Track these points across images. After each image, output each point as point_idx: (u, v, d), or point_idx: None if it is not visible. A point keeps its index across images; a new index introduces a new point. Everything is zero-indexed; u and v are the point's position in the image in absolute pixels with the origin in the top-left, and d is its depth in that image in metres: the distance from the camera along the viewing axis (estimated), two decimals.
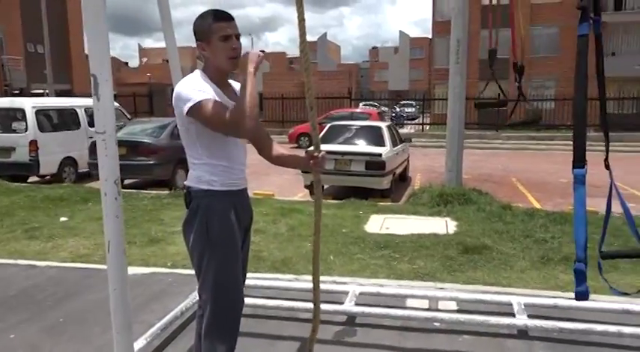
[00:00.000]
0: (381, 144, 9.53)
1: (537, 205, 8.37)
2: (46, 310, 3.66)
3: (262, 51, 2.31)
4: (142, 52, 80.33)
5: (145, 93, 32.25)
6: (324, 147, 9.10)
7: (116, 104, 13.93)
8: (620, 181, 2.25)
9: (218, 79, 2.28)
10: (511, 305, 3.33)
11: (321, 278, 4.05)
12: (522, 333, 3.18)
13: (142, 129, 11.09)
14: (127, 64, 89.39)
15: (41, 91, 25.92)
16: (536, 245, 5.13)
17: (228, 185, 2.30)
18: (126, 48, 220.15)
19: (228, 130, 2.16)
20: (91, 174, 10.68)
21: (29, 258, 4.88)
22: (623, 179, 11.48)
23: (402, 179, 11.24)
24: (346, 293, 3.54)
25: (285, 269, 4.54)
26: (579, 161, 2.02)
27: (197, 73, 2.26)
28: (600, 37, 2.00)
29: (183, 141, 2.30)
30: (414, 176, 12.17)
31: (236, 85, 2.40)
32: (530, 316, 3.17)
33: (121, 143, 10.84)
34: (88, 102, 13.36)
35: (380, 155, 8.97)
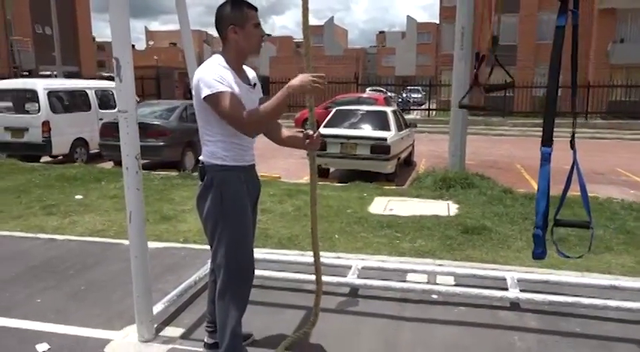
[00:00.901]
0: (387, 128, 9.70)
1: None
2: (69, 278, 3.90)
3: (320, 77, 2.30)
4: (149, 34, 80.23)
5: (153, 76, 32.35)
6: (330, 131, 9.29)
7: None
8: (624, 168, 2.44)
9: (237, 63, 2.48)
10: (505, 279, 3.53)
11: (326, 254, 4.28)
12: (514, 305, 3.39)
13: (151, 112, 11.26)
14: (133, 46, 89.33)
15: (49, 73, 26.11)
16: (533, 227, 5.30)
17: (239, 160, 2.51)
18: (132, 30, 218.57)
19: (233, 124, 2.36)
20: (102, 155, 10.93)
21: (49, 233, 5.13)
22: (629, 166, 11.61)
23: (407, 163, 11.42)
24: (349, 267, 3.75)
25: (291, 246, 4.76)
26: (547, 141, 2.23)
27: (218, 57, 2.45)
28: (577, 28, 2.16)
29: (199, 120, 2.50)
30: (419, 161, 12.33)
31: (249, 71, 2.60)
32: (522, 290, 3.37)
33: None
34: (98, 84, 13.58)
35: (385, 139, 9.14)
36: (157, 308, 3.09)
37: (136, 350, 2.85)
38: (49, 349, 2.85)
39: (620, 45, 26.54)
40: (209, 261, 3.98)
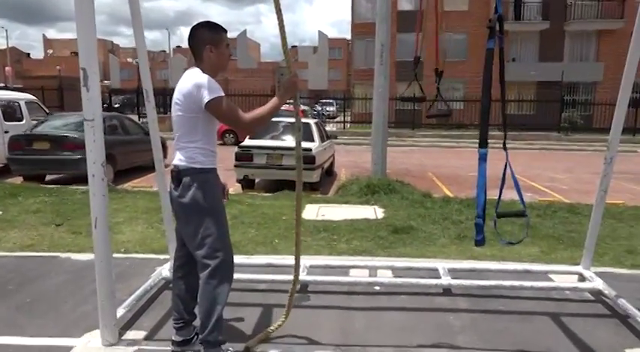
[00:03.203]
0: (311, 139, 10.06)
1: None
2: (10, 293, 3.78)
3: (295, 75, 2.81)
4: (47, 42, 75.25)
5: (55, 87, 30.49)
6: (256, 142, 9.50)
7: (33, 98, 13.36)
8: (521, 175, 2.91)
9: (214, 76, 2.70)
10: (437, 270, 3.97)
11: (271, 258, 4.50)
12: (447, 291, 3.83)
13: (65, 124, 10.77)
14: (28, 55, 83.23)
15: None
16: (453, 225, 5.89)
17: (213, 163, 2.77)
18: (24, 37, 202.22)
19: (231, 124, 2.74)
20: (12, 170, 10.26)
21: None
22: (525, 173, 12.90)
23: (329, 174, 11.85)
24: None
25: (236, 251, 4.90)
26: (483, 144, 2.65)
27: (198, 70, 2.68)
28: (503, 50, 2.62)
29: (182, 126, 2.68)
30: (339, 171, 12.84)
31: None
32: (452, 277, 3.83)
33: (44, 137, 10.58)
34: (3, 95, 12.68)
35: (310, 150, 9.49)
36: (119, 312, 3.15)
37: None
38: None
39: (512, 63, 29.31)
40: (158, 268, 4.08)
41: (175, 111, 2.69)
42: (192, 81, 2.61)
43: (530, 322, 3.39)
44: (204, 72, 2.66)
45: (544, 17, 29.17)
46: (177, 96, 2.66)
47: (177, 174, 2.70)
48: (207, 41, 2.70)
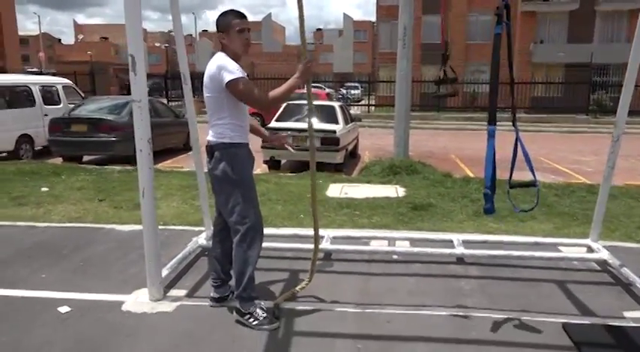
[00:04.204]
0: (335, 121, 10.35)
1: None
2: (64, 257, 4.23)
3: (309, 62, 3.03)
4: (78, 28, 76.75)
5: (87, 72, 31.33)
6: (281, 124, 9.90)
7: (69, 82, 13.95)
8: (545, 158, 3.17)
9: (235, 59, 3.02)
10: (451, 241, 4.26)
11: (297, 230, 4.84)
12: (460, 260, 4.12)
13: (100, 107, 11.31)
14: (59, 40, 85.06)
15: None
16: (471, 203, 6.13)
17: (242, 138, 3.08)
18: (54, 23, 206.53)
19: (252, 103, 3.01)
20: (52, 151, 10.86)
21: (26, 221, 5.34)
22: (550, 155, 12.95)
23: (352, 156, 12.13)
24: (322, 237, 4.34)
25: (265, 224, 5.25)
26: (492, 121, 2.89)
27: (222, 54, 2.99)
28: (510, 36, 2.85)
29: (211, 105, 3.02)
30: (362, 153, 13.09)
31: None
32: (466, 248, 4.11)
33: (82, 120, 11.14)
34: (42, 79, 13.30)
35: (334, 132, 9.79)
36: (163, 272, 3.54)
37: (150, 307, 3.29)
38: (70, 310, 3.24)
39: (540, 45, 28.81)
40: (194, 237, 4.46)
41: (205, 92, 3.03)
42: (215, 64, 2.94)
43: (537, 288, 3.66)
44: (227, 56, 2.97)
45: None
46: (205, 79, 3.00)
47: (210, 149, 3.06)
48: (220, 28, 3.02)
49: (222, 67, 2.91)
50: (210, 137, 3.08)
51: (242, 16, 3.03)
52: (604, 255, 3.96)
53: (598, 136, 18.47)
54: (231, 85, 2.89)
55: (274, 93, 3.02)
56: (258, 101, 2.99)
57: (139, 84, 3.13)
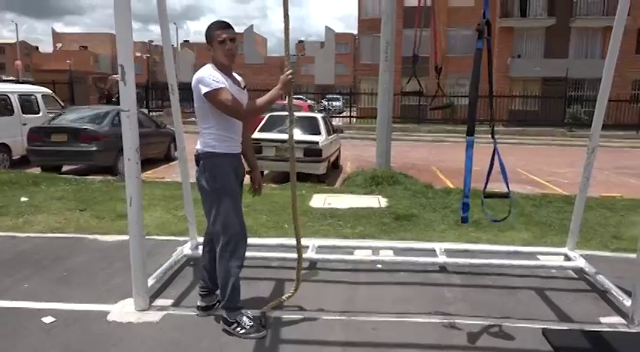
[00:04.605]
0: (318, 132, 10.44)
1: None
2: (46, 267, 4.19)
3: (291, 74, 3.09)
4: (56, 36, 75.86)
5: (65, 81, 30.97)
6: (265, 135, 9.93)
7: (49, 91, 13.79)
8: (523, 169, 3.27)
9: (223, 69, 3.07)
10: (434, 250, 4.35)
11: (282, 239, 4.87)
12: (443, 268, 4.21)
13: (81, 117, 11.18)
14: (37, 48, 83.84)
15: None
16: (452, 213, 6.24)
17: (227, 149, 3.11)
18: (31, 31, 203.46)
19: (230, 114, 3.02)
20: (30, 161, 10.69)
21: (6, 231, 5.27)
22: (526, 167, 13.23)
23: (335, 166, 12.22)
24: (307, 246, 4.38)
25: (250, 234, 5.27)
26: (470, 132, 3.00)
27: (209, 65, 3.04)
28: (490, 50, 2.96)
29: (198, 115, 3.08)
30: (344, 164, 13.20)
31: (238, 77, 3.20)
32: (448, 257, 4.20)
33: (62, 129, 11.00)
34: (20, 88, 13.12)
35: (317, 143, 9.87)
36: (149, 282, 3.54)
37: (136, 317, 3.28)
38: (54, 320, 3.21)
39: (517, 60, 29.50)
40: (179, 247, 4.46)
41: (194, 102, 3.07)
42: (196, 75, 3.01)
43: (516, 295, 3.76)
44: (215, 64, 3.04)
45: (550, 13, 29.29)
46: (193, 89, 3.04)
47: (197, 158, 3.10)
48: (206, 40, 3.09)
49: (200, 79, 2.96)
50: (198, 146, 3.12)
51: (224, 26, 3.06)
52: (580, 263, 4.08)
53: (574, 149, 18.94)
54: (208, 96, 2.94)
55: (253, 103, 3.06)
56: (235, 111, 2.99)
57: (128, 93, 3.15)
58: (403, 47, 27.79)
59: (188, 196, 4.31)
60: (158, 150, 12.38)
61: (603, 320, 3.37)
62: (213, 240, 3.26)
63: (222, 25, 3.07)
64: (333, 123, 15.20)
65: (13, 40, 59.16)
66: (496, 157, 3.08)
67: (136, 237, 3.30)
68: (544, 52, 30.04)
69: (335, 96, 40.75)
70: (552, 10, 29.17)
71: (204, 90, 2.92)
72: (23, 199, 6.71)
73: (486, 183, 3.25)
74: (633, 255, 3.45)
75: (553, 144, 21.30)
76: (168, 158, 13.02)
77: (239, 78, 3.23)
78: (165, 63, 3.99)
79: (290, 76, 3.10)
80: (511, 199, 3.22)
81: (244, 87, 3.22)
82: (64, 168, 10.76)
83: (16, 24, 64.75)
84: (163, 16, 3.80)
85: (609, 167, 12.62)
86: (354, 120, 27.91)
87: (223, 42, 3.04)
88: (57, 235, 5.18)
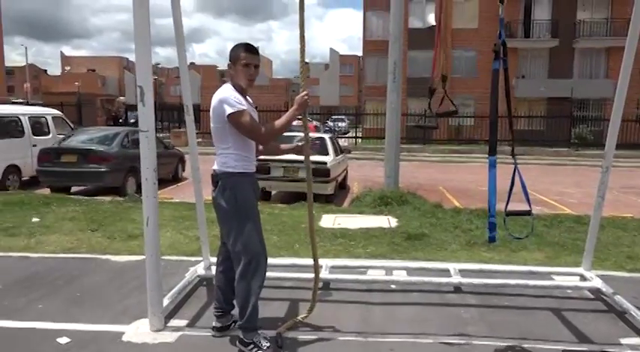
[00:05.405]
0: (326, 153, 10.48)
1: None
2: (60, 288, 4.19)
3: (307, 94, 3.13)
4: (65, 59, 77.06)
5: (73, 103, 31.33)
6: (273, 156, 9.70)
7: (59, 113, 13.96)
8: (530, 189, 3.28)
9: (240, 90, 3.11)
10: (448, 270, 4.32)
11: (295, 259, 4.86)
12: (457, 288, 4.18)
13: (90, 138, 11.30)
14: (45, 71, 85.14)
15: None
16: (463, 233, 6.22)
17: (245, 168, 3.14)
18: (39, 54, 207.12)
19: (250, 136, 3.07)
20: (40, 182, 10.76)
21: (19, 252, 5.28)
22: (534, 187, 13.16)
23: (342, 187, 12.22)
24: (321, 266, 4.36)
25: None
26: (492, 151, 3.01)
27: (229, 85, 3.08)
28: (507, 71, 3.00)
29: (215, 136, 3.09)
30: (351, 185, 13.21)
31: (249, 99, 3.24)
32: (462, 276, 4.17)
33: (72, 151, 11.09)
34: (31, 110, 13.29)
35: (325, 163, 9.90)
36: (164, 302, 3.52)
37: (151, 337, 3.27)
38: (70, 341, 3.20)
39: (522, 80, 29.68)
40: (192, 267, 4.46)
41: (211, 122, 3.10)
42: (217, 96, 3.03)
43: (533, 315, 3.72)
44: (233, 85, 3.08)
45: (553, 35, 29.60)
46: (210, 109, 3.07)
47: (215, 178, 3.11)
48: (230, 58, 3.12)
49: (224, 100, 2.99)
50: (215, 166, 3.14)
51: (252, 51, 3.10)
52: (597, 283, 4.04)
53: (580, 168, 18.90)
54: (231, 117, 2.96)
55: (272, 126, 3.09)
56: (255, 134, 3.03)
57: (147, 114, 3.20)
58: (409, 69, 28.11)
59: (202, 216, 4.32)
60: (166, 170, 12.44)
61: (623, 341, 3.33)
62: (227, 260, 3.26)
63: (251, 49, 3.10)
64: (340, 143, 15.29)
65: (22, 63, 60.08)
66: (517, 176, 3.08)
67: (152, 257, 3.30)
68: (548, 72, 30.25)
69: (340, 116, 40.94)
70: (556, 32, 29.48)
71: (229, 110, 2.95)
72: (35, 220, 6.74)
73: (507, 202, 3.24)
74: None
75: (559, 163, 21.25)
76: (175, 178, 13.08)
77: (250, 99, 3.28)
78: (181, 85, 4.05)
79: (306, 97, 3.13)
80: (533, 216, 3.21)
81: (255, 107, 3.27)
82: (73, 189, 10.80)
83: (25, 47, 66.22)
84: (180, 38, 3.86)
85: (616, 186, 12.56)
86: (360, 140, 28.00)
87: (247, 66, 3.08)
88: (69, 255, 5.19)
